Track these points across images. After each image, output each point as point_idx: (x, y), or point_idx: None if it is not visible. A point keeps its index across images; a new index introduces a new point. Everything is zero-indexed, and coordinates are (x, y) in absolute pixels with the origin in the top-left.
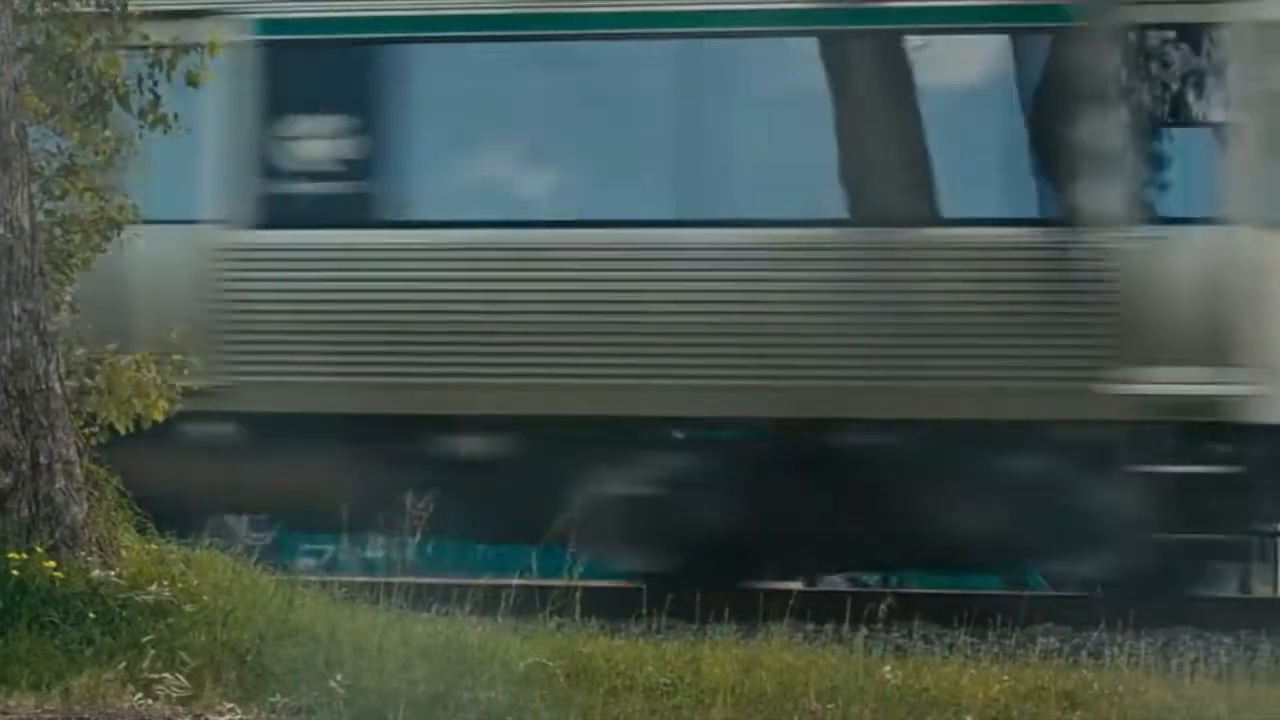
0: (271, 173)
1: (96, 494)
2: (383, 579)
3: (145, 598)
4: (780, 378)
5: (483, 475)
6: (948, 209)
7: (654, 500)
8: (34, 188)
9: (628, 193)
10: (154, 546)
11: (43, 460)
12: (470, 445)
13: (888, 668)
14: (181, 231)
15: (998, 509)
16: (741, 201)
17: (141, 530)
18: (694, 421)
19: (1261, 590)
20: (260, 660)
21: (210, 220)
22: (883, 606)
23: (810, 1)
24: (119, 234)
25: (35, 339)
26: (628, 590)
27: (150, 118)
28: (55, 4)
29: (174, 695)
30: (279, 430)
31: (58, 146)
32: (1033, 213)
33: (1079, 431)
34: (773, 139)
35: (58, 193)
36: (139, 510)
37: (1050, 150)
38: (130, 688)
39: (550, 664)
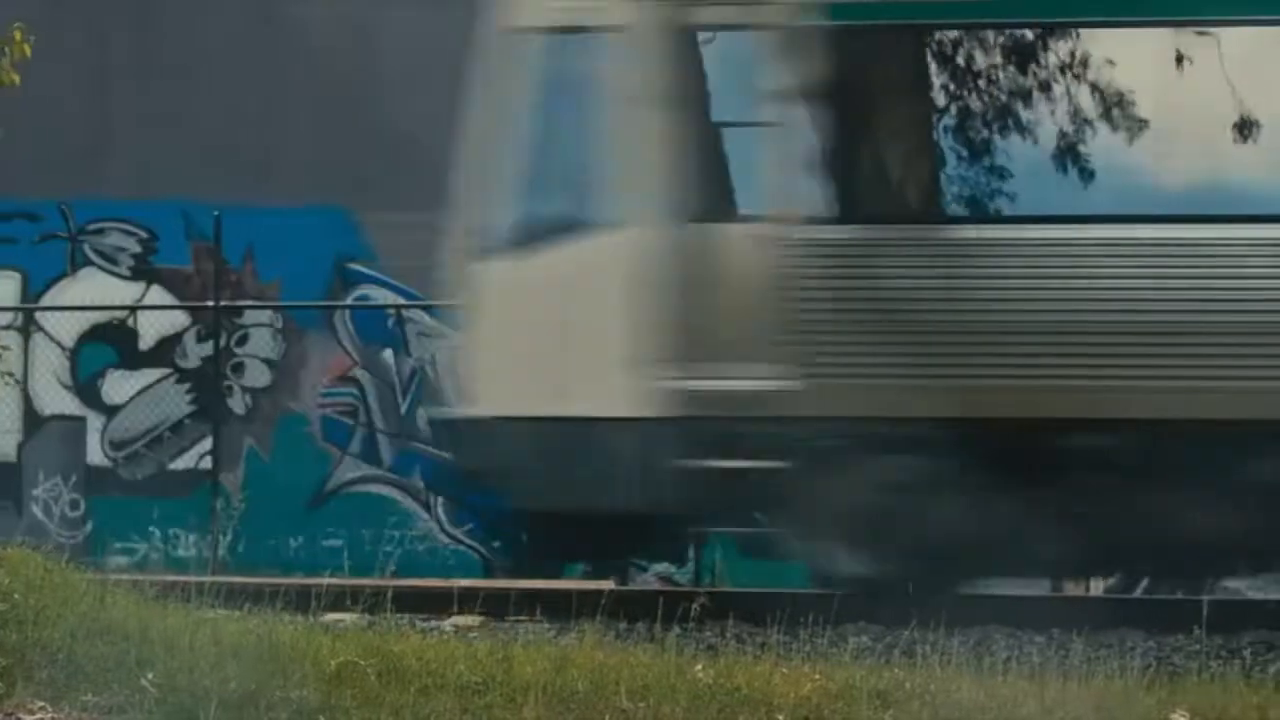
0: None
1: None
2: (194, 578)
3: None
4: None
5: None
6: None
7: None
8: None
9: None
10: None
11: None
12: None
13: (699, 667)
14: None
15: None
16: None
17: None
18: None
19: (1073, 589)
20: (72, 659)
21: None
22: (695, 605)
23: None
24: None
25: None
26: (438, 589)
27: None
28: None
29: None
30: None
31: None
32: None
33: None
34: None
35: None
36: None
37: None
38: None
39: (362, 662)
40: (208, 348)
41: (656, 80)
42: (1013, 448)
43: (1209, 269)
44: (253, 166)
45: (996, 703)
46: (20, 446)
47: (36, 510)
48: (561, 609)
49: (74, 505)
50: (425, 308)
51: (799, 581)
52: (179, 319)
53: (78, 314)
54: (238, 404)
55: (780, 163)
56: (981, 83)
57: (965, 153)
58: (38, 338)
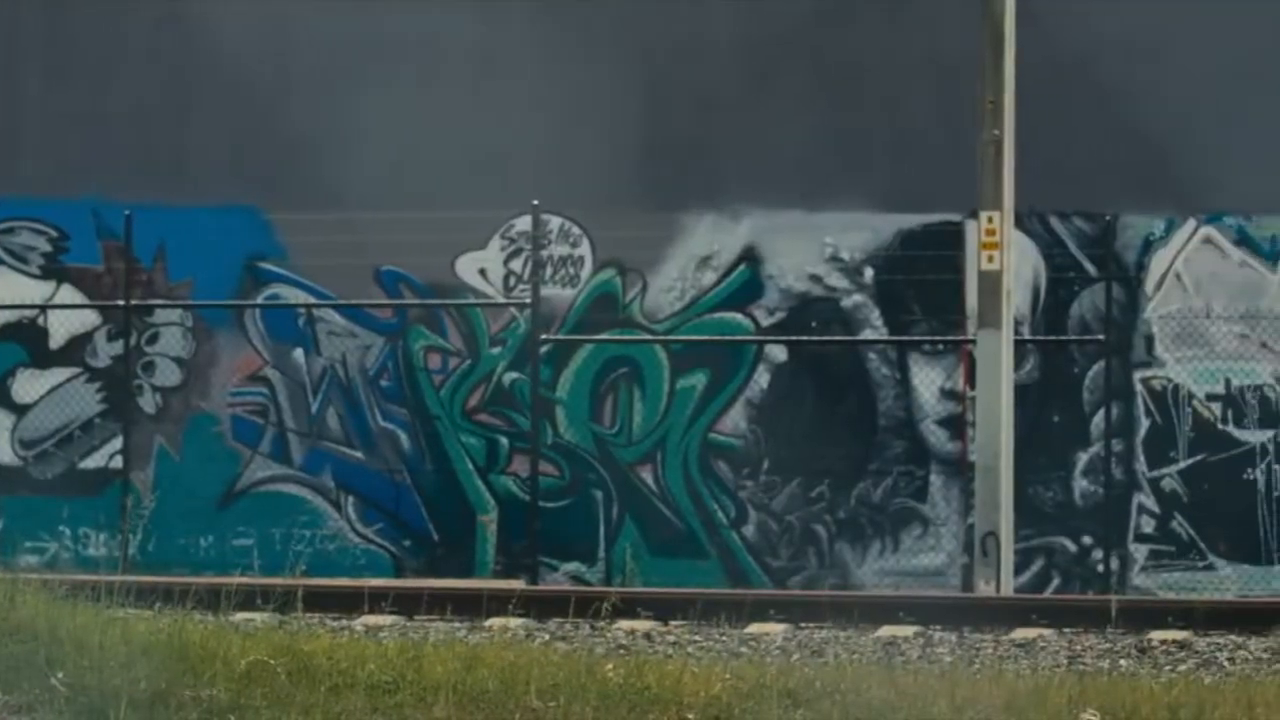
0: None
1: None
2: (104, 577)
3: None
4: None
5: None
6: None
7: None
8: None
9: None
10: None
11: None
12: None
13: (610, 666)
14: None
15: None
16: None
17: None
18: None
19: (985, 589)
20: None
21: None
22: (606, 605)
23: None
24: None
25: None
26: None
27: None
28: None
29: None
30: None
31: None
32: None
33: None
34: None
35: None
36: None
37: None
38: None
39: (272, 662)
40: (118, 347)
41: None
42: None
43: None
44: (164, 166)
45: (907, 701)
46: None
47: None
48: (472, 608)
49: None
50: (336, 307)
51: (709, 580)
52: (89, 318)
53: None
54: (148, 403)
55: None
56: None
57: None
58: None
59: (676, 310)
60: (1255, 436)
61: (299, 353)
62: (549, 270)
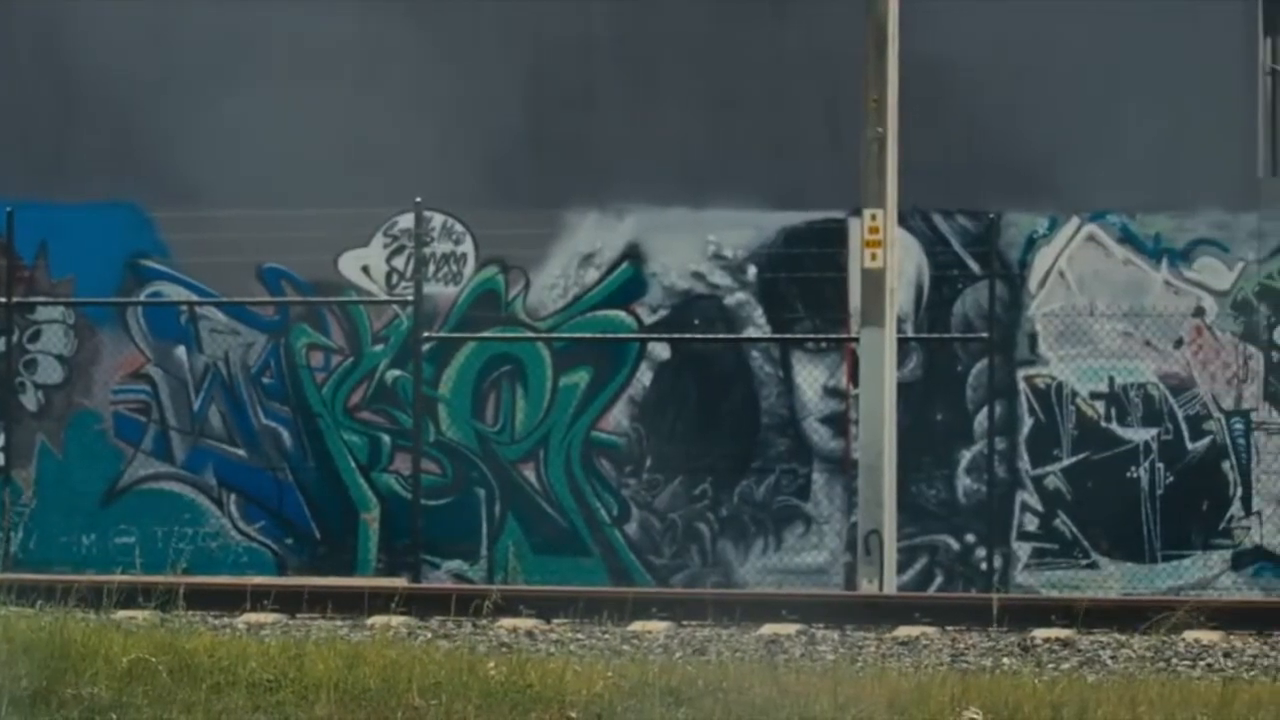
0: None
1: None
2: None
3: None
4: None
5: None
6: None
7: None
8: None
9: None
10: None
11: None
12: None
13: (492, 664)
14: None
15: None
16: None
17: None
18: None
19: (868, 587)
20: None
21: None
22: (488, 603)
23: None
24: None
25: None
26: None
27: None
28: None
29: None
30: None
31: None
32: None
33: None
34: None
35: None
36: None
37: None
38: None
39: (153, 659)
40: None
41: None
42: None
43: None
44: (45, 163)
45: (790, 699)
46: None
47: None
48: (354, 606)
49: None
50: (218, 305)
51: (592, 578)
52: None
53: None
54: (30, 400)
55: None
56: None
57: None
58: None
59: (559, 308)
60: (1138, 435)
61: (181, 350)
62: (431, 268)
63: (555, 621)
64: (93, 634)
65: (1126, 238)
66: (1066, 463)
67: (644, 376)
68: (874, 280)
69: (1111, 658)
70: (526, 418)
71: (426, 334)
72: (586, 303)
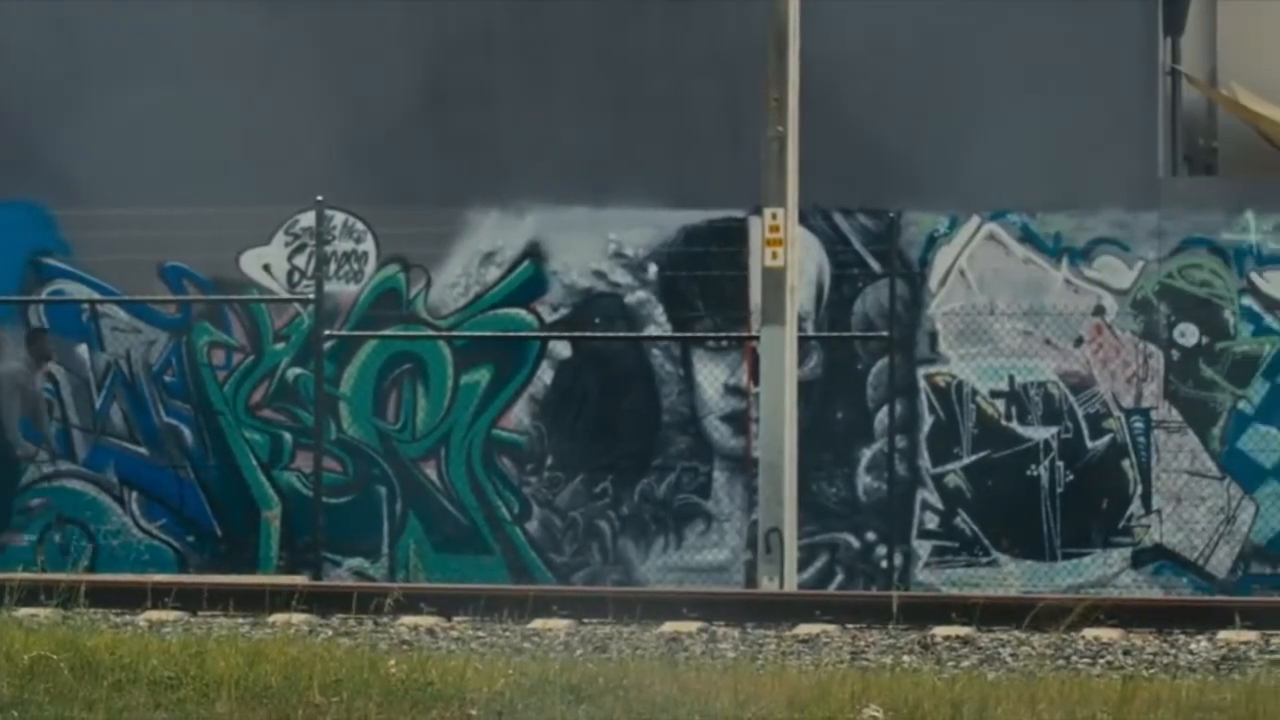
0: None
1: None
2: None
3: None
4: None
5: None
6: None
7: None
8: None
9: None
10: None
11: None
12: None
13: (393, 661)
14: None
15: None
16: None
17: None
18: None
19: (768, 585)
20: None
21: None
22: (389, 600)
23: None
24: None
25: None
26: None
27: None
28: None
29: None
30: None
31: None
32: None
33: None
34: None
35: None
36: None
37: None
38: None
39: (55, 657)
40: None
41: None
42: None
43: None
44: None
45: (690, 697)
46: None
47: None
48: (255, 604)
49: None
50: (120, 303)
51: (493, 576)
52: None
53: None
54: None
55: None
56: None
57: None
58: None
59: (460, 306)
60: (1038, 433)
61: (83, 348)
62: (333, 266)
63: (456, 619)
64: None
65: (1027, 237)
66: (967, 461)
67: (545, 375)
68: (775, 279)
69: (1011, 655)
70: (428, 416)
71: (328, 332)
72: (487, 301)
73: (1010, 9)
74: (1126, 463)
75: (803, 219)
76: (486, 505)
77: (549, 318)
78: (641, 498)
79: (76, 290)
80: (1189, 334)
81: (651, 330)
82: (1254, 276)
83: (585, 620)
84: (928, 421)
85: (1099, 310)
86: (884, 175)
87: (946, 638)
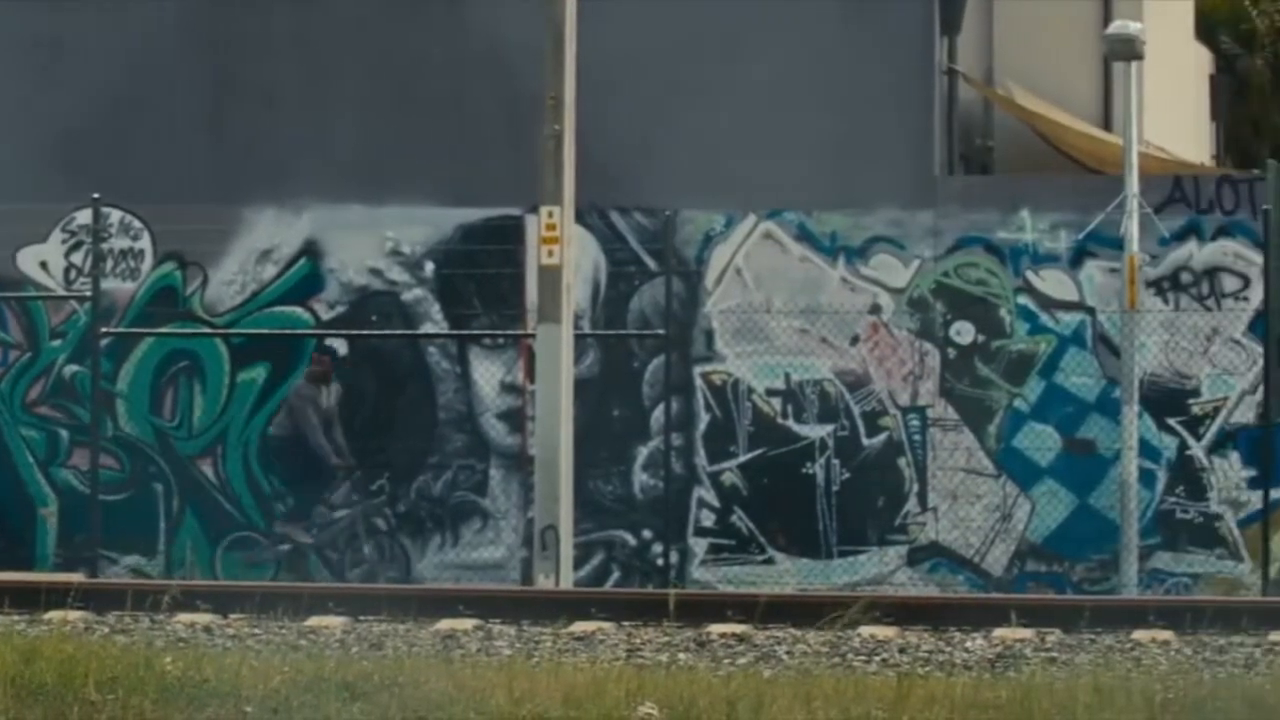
0: None
1: None
2: None
3: None
4: None
5: None
6: None
7: None
8: None
9: None
10: None
11: None
12: None
13: (169, 659)
14: None
15: None
16: None
17: None
18: None
19: (544, 582)
20: None
21: None
22: (165, 598)
23: None
24: None
25: None
26: None
27: None
28: None
29: None
30: None
31: None
32: None
33: None
34: None
35: None
36: None
37: None
38: None
39: None
40: None
41: None
42: None
43: None
44: None
45: (466, 694)
46: None
47: None
48: (30, 601)
49: None
50: None
51: (269, 573)
52: None
53: None
54: None
55: None
56: None
57: None
58: None
59: (237, 304)
60: (814, 431)
61: None
62: (110, 263)
63: (232, 616)
64: None
65: (803, 235)
66: (743, 459)
67: None
68: (551, 277)
69: (787, 653)
70: (204, 413)
71: (104, 329)
72: (264, 299)
73: (788, 8)
74: (902, 461)
75: (579, 217)
76: (263, 502)
77: (325, 315)
78: (418, 495)
79: None
80: (965, 332)
81: (428, 328)
82: (1029, 275)
83: (361, 618)
84: (704, 419)
85: (875, 309)
86: (660, 174)
87: (723, 635)
